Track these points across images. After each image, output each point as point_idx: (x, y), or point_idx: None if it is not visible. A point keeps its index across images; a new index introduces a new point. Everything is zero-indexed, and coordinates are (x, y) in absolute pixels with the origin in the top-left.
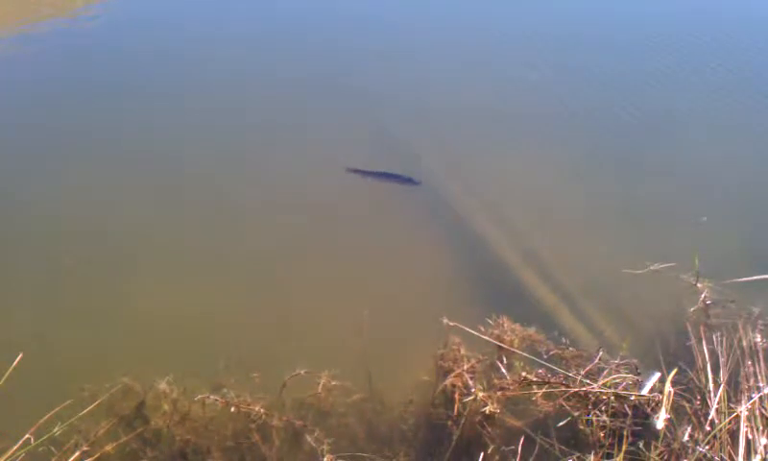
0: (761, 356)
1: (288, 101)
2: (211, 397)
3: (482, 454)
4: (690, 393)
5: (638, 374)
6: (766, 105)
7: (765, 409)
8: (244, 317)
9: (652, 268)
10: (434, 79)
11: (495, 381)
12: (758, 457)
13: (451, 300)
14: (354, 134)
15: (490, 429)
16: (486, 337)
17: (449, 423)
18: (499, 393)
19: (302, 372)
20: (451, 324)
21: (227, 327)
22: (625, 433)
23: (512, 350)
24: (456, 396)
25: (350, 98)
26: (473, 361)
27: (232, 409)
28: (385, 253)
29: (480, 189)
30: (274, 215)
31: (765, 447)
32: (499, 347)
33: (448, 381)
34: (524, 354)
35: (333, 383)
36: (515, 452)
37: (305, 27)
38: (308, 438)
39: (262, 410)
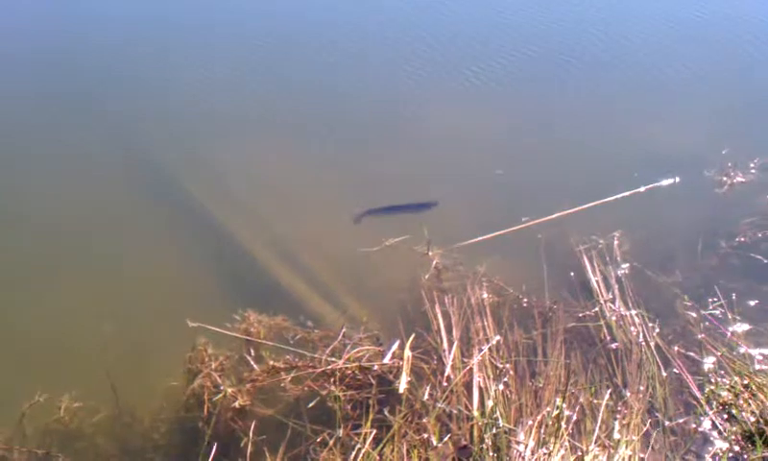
0: (488, 311)
1: None
2: None
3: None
4: (428, 355)
5: (380, 344)
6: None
7: (495, 358)
8: None
9: (387, 243)
10: (175, 81)
11: (245, 375)
12: (491, 402)
13: (199, 301)
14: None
15: (242, 423)
16: (232, 333)
17: (201, 423)
18: (249, 385)
19: (41, 398)
20: (195, 325)
21: None
22: (371, 403)
23: (259, 341)
24: (206, 396)
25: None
26: (221, 358)
27: None
28: (128, 262)
29: (221, 186)
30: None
31: (496, 391)
32: (247, 340)
33: (197, 383)
34: (272, 343)
35: (77, 405)
36: (267, 441)
37: None
38: None
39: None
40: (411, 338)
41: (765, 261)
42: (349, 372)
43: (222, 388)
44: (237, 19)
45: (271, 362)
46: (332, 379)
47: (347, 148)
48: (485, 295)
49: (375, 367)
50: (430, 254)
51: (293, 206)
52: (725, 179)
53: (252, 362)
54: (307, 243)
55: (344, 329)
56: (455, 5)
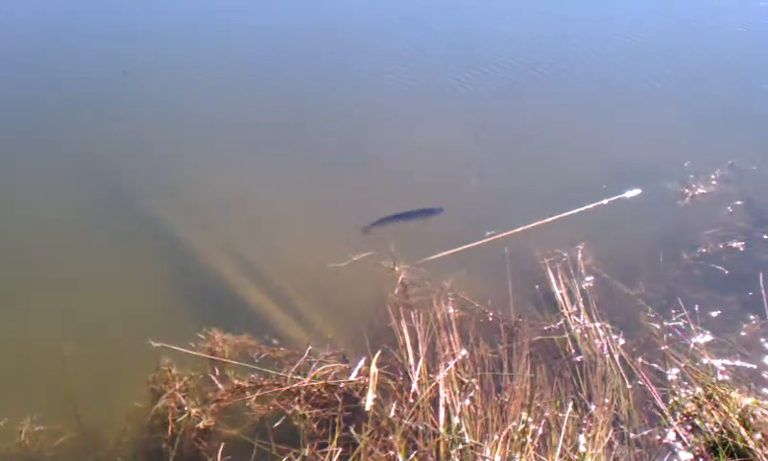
0: (455, 326)
1: None
2: None
3: None
4: (395, 371)
5: (346, 361)
6: None
7: (461, 374)
8: None
9: (354, 259)
10: (139, 96)
11: (210, 395)
12: (457, 418)
13: (163, 320)
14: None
15: (206, 444)
16: (197, 352)
17: (165, 445)
18: (213, 405)
19: (1, 423)
20: (158, 345)
21: None
22: (337, 421)
23: (224, 360)
24: (170, 416)
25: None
26: (185, 379)
27: None
28: (89, 282)
29: (184, 202)
30: None
31: (462, 407)
32: (212, 359)
33: (161, 403)
34: (237, 363)
35: (38, 428)
36: None
37: None
38: None
39: None
40: (377, 354)
41: (727, 272)
42: (315, 390)
43: (186, 408)
44: (200, 28)
45: (236, 381)
46: (298, 398)
47: (314, 162)
48: (451, 310)
49: (341, 384)
50: (397, 269)
51: (258, 221)
52: (687, 191)
53: (217, 382)
54: (273, 259)
55: (309, 347)
56: (425, 18)
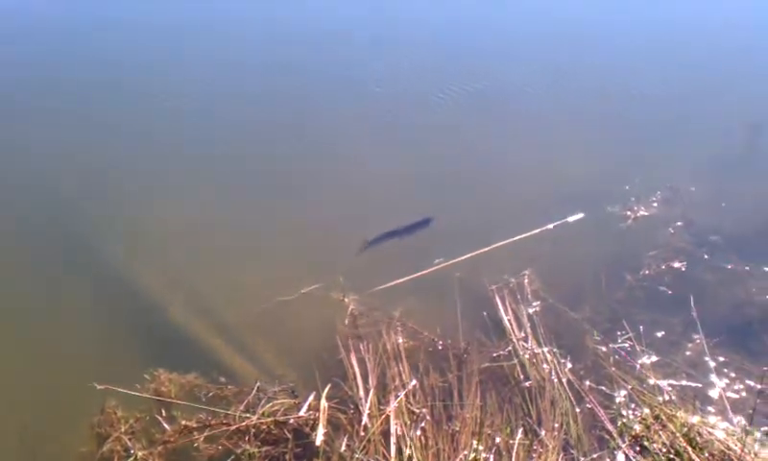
0: (404, 356)
1: None
2: None
3: None
4: (345, 404)
5: (296, 396)
6: None
7: (411, 404)
8: None
9: (303, 291)
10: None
11: (157, 436)
12: (408, 450)
13: (107, 361)
14: None
15: None
16: (142, 393)
17: None
18: (161, 447)
19: None
20: (102, 387)
21: None
22: (288, 457)
23: (171, 400)
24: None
25: None
26: (131, 421)
27: None
28: (32, 325)
29: (128, 239)
30: None
31: (413, 438)
32: (158, 400)
33: (106, 447)
34: (184, 402)
35: None
36: None
37: None
38: None
39: None
40: (327, 388)
41: (669, 293)
42: (265, 427)
43: (132, 451)
44: (151, 54)
45: (183, 422)
46: (247, 436)
47: (261, 194)
48: (400, 340)
49: (291, 420)
50: (346, 300)
51: (204, 255)
52: (629, 213)
53: (164, 423)
54: (220, 294)
55: (258, 383)
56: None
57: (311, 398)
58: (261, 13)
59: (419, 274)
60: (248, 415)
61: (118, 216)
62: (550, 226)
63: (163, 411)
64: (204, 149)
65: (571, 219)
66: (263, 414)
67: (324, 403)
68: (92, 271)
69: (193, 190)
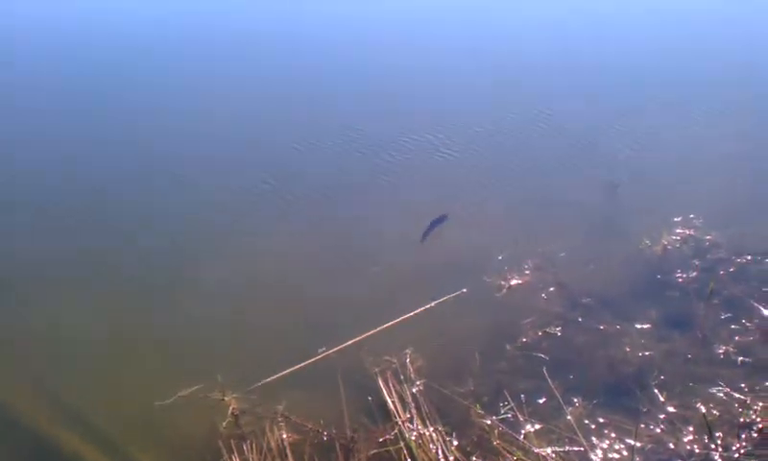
0: (289, 451)
1: None
2: None
3: None
4: None
5: None
6: None
7: None
8: None
9: (181, 394)
10: None
11: None
12: None
13: None
14: None
15: None
16: None
17: None
18: None
19: None
20: None
21: None
22: None
23: None
24: None
25: None
26: None
27: None
28: None
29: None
30: None
31: None
32: None
33: None
34: None
35: None
36: None
37: None
38: None
39: None
40: None
41: (548, 358)
42: None
43: None
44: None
45: None
46: None
47: (135, 294)
48: (284, 435)
49: None
50: (226, 399)
51: (75, 360)
52: (503, 282)
53: None
54: (92, 401)
55: None
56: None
57: None
58: None
59: (302, 364)
60: None
61: None
62: (432, 303)
63: None
64: (72, 244)
65: (452, 295)
66: None
67: None
68: None
69: (61, 290)
